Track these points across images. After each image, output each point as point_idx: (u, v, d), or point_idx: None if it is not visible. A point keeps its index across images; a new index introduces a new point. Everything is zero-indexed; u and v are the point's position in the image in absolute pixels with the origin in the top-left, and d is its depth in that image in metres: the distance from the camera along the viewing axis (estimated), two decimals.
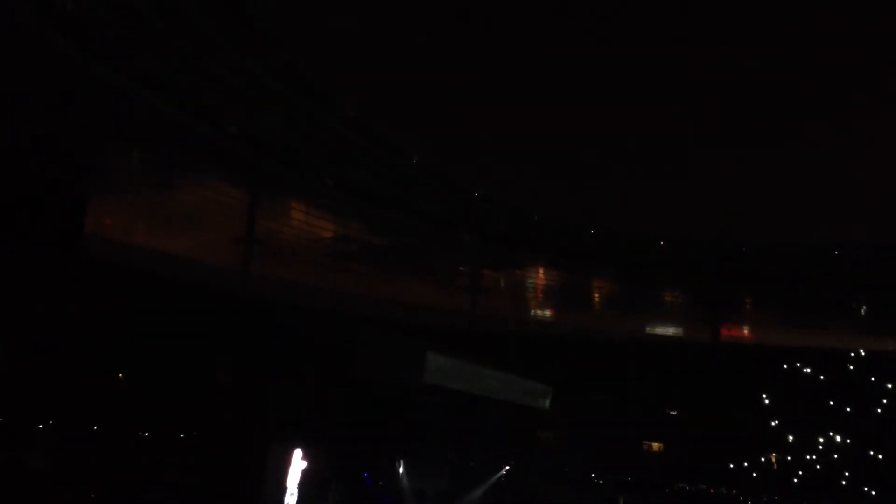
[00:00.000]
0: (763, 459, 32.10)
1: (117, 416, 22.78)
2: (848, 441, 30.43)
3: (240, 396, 24.25)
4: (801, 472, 30.93)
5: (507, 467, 33.53)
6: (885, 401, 30.20)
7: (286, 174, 23.76)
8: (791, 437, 31.15)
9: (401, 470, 31.44)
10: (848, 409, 30.49)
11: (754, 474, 31.59)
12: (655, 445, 34.42)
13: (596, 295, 32.94)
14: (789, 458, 31.37)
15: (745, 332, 33.12)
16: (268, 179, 23.78)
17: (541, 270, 30.91)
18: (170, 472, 22.41)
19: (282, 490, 25.04)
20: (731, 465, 31.67)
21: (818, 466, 30.68)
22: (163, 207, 23.63)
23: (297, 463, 25.55)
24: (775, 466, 32.03)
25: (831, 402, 30.57)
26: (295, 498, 25.45)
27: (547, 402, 32.35)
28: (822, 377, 30.81)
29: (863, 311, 29.46)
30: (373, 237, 27.18)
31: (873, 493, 29.67)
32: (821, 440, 30.71)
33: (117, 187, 22.74)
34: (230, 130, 21.77)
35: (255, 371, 24.59)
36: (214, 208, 23.50)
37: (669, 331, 34.30)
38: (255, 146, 22.51)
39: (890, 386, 30.18)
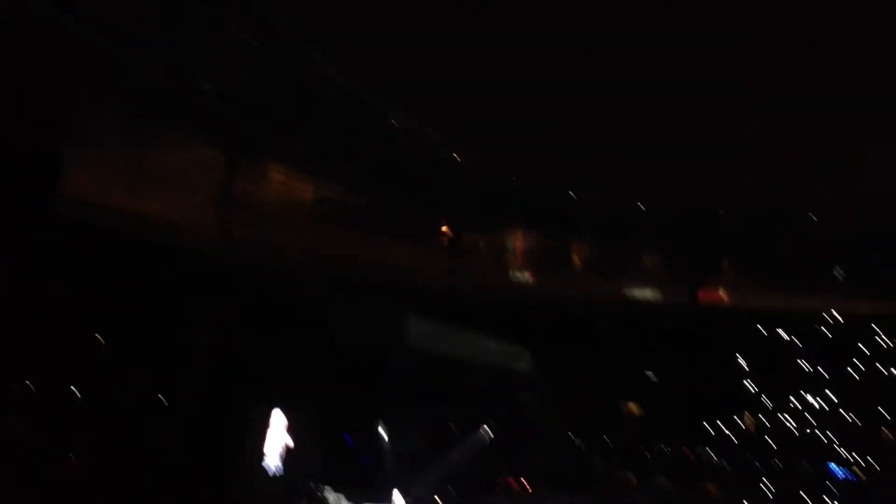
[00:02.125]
0: (739, 421, 32.58)
1: (95, 379, 22.70)
2: (823, 403, 30.92)
3: (218, 359, 24.19)
4: (776, 434, 31.45)
5: (486, 429, 33.79)
6: (859, 363, 30.67)
7: (264, 135, 23.52)
8: (767, 400, 31.61)
9: (380, 431, 31.64)
10: (823, 372, 30.96)
11: (731, 436, 32.08)
12: (633, 408, 34.79)
13: (575, 258, 33.02)
14: (765, 420, 31.86)
15: (723, 295, 33.37)
16: (246, 140, 23.52)
17: (519, 233, 30.96)
18: (149, 435, 22.40)
19: (261, 452, 25.14)
20: (709, 428, 32.11)
21: (794, 428, 31.19)
22: (138, 168, 23.29)
23: (277, 424, 25.63)
24: (752, 428, 32.52)
25: (807, 365, 31.01)
26: (275, 459, 25.56)
27: (525, 364, 32.60)
28: (798, 340, 31.22)
29: (839, 275, 29.78)
30: (352, 199, 27.03)
31: (848, 454, 30.25)
32: (796, 402, 31.18)
33: (92, 147, 22.40)
34: (206, 89, 21.46)
35: (233, 333, 24.51)
36: (191, 169, 23.21)
37: (648, 294, 34.47)
38: (232, 106, 22.23)
39: (864, 349, 30.64)
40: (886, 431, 30.71)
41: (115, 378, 23.27)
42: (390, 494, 28.70)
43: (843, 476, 30.47)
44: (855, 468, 30.19)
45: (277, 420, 25.69)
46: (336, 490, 28.15)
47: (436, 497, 30.32)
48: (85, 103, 21.09)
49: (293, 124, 23.39)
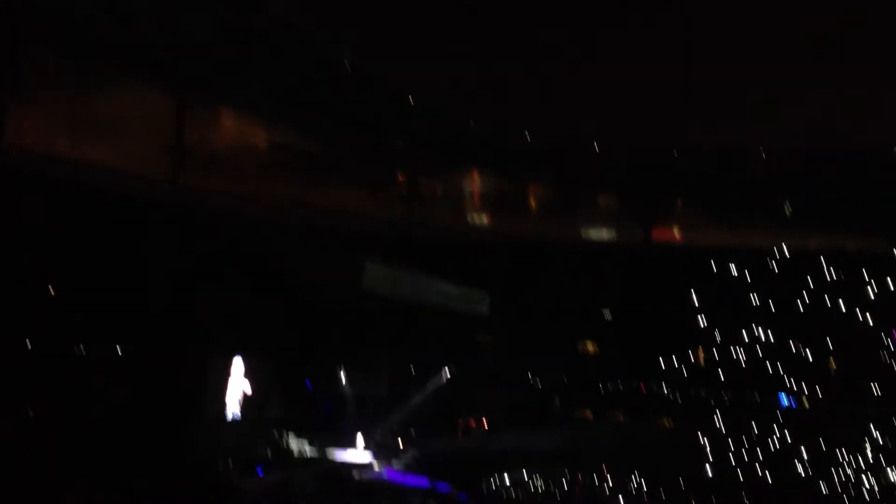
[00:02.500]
0: (692, 356, 33.42)
1: (47, 332, 22.34)
2: (772, 336, 31.78)
3: (174, 308, 23.94)
4: (728, 367, 32.32)
5: (446, 372, 34.18)
6: (806, 297, 31.50)
7: (213, 79, 22.97)
8: (718, 334, 32.39)
9: (341, 377, 31.81)
10: (772, 306, 31.75)
11: (683, 370, 32.91)
12: (590, 346, 35.44)
13: (531, 201, 33.15)
14: (716, 353, 32.70)
15: (675, 233, 33.87)
16: (194, 85, 22.96)
17: (476, 177, 30.90)
18: (106, 386, 22.21)
19: (222, 400, 25.15)
20: (662, 363, 32.88)
21: (744, 361, 32.06)
22: (85, 116, 22.61)
23: (237, 373, 25.63)
24: (703, 362, 33.40)
25: (756, 300, 31.76)
26: (236, 407, 25.61)
27: (484, 307, 32.90)
28: (747, 275, 31.92)
29: (787, 210, 30.36)
30: (306, 145, 26.63)
31: (797, 385, 31.28)
32: (746, 336, 32.00)
33: (35, 96, 21.69)
34: (153, 34, 20.84)
35: (189, 282, 24.24)
36: (140, 116, 22.62)
37: (603, 234, 34.85)
38: (179, 49, 21.63)
39: (811, 282, 31.43)
40: (833, 361, 31.80)
41: (69, 330, 22.94)
42: (353, 438, 29.05)
43: (792, 405, 31.58)
44: (803, 398, 31.28)
45: (237, 368, 25.70)
46: (299, 436, 28.39)
47: (398, 439, 30.76)
48: (27, 51, 20.38)
49: (244, 69, 22.87)
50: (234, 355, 25.36)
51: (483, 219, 34.73)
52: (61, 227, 21.49)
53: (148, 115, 22.23)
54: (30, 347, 21.91)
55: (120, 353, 23.68)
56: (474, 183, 31.71)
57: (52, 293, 23.41)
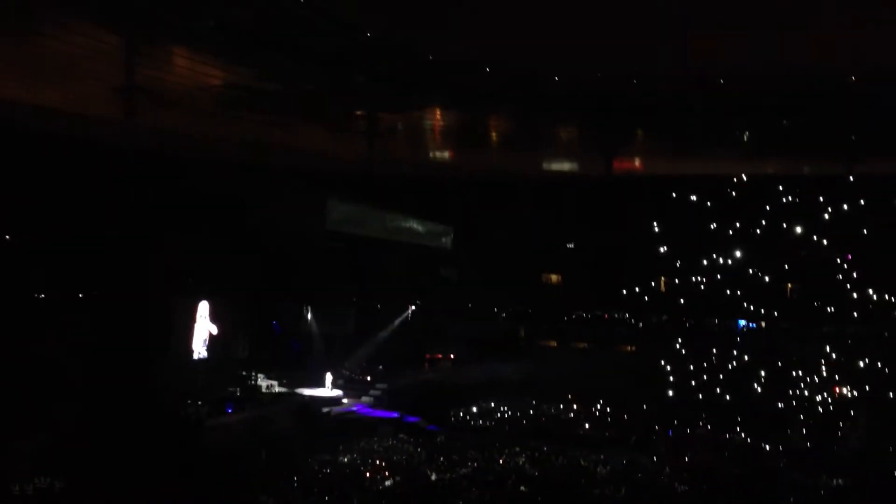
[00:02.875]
0: (653, 284, 34.00)
1: (8, 278, 22.13)
2: (730, 262, 32.34)
3: (136, 253, 23.77)
4: (688, 293, 32.93)
5: (412, 307, 34.54)
6: (763, 222, 32.01)
7: (163, 16, 22.33)
8: (679, 262, 32.91)
9: (308, 316, 32.01)
10: (731, 232, 32.24)
11: (645, 298, 33.51)
12: (553, 277, 35.92)
13: (493, 134, 33.00)
14: (677, 280, 33.28)
15: (637, 163, 34.06)
16: (143, 22, 22.30)
17: (437, 112, 30.58)
18: (71, 333, 22.14)
19: (189, 344, 25.24)
20: (625, 291, 33.41)
21: (703, 287, 32.65)
22: (32, 57, 22.01)
23: (203, 315, 25.68)
24: (664, 289, 34.01)
25: (715, 226, 32.23)
26: (204, 350, 25.73)
27: (448, 242, 33.12)
28: (707, 202, 32.32)
29: (745, 136, 30.56)
30: (262, 83, 26.12)
31: (755, 308, 31.98)
32: (706, 263, 32.55)
33: None
34: None
35: (149, 226, 24.03)
36: (89, 56, 21.98)
37: (565, 166, 34.98)
38: None
39: (768, 208, 31.93)
40: (790, 286, 32.55)
41: (31, 277, 22.77)
42: (322, 377, 29.38)
43: (749, 326, 32.38)
44: (761, 320, 32.08)
45: (203, 311, 25.74)
46: (268, 377, 28.65)
47: (367, 375, 31.17)
48: None
49: (196, 5, 22.26)
50: (199, 298, 25.37)
51: (445, 154, 34.63)
52: (15, 173, 21.13)
53: (96, 54, 21.60)
54: None
55: (82, 300, 23.59)
56: (436, 117, 31.46)
57: (9, 239, 23.17)
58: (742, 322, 32.54)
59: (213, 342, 25.98)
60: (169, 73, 24.26)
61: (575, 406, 28.99)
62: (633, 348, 33.77)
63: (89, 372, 21.28)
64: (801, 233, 31.67)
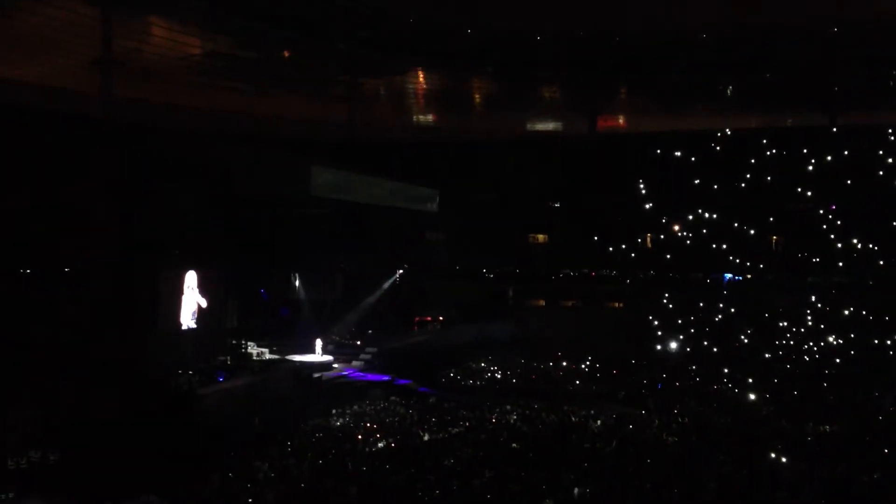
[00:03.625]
0: (639, 241, 34.17)
1: None
2: (715, 216, 32.48)
3: (120, 225, 23.67)
4: (674, 249, 33.11)
5: (400, 271, 34.65)
6: (748, 175, 32.12)
7: None
8: (664, 218, 33.03)
9: (296, 283, 32.07)
10: (715, 187, 32.34)
11: (632, 255, 33.69)
12: (540, 237, 36.06)
13: (476, 96, 32.83)
14: (662, 237, 33.43)
15: (620, 121, 34.03)
16: None
17: (420, 75, 30.37)
18: (58, 304, 22.14)
19: (177, 314, 25.27)
20: (611, 249, 33.58)
21: (688, 242, 32.81)
22: (7, 31, 21.74)
23: (191, 286, 25.69)
24: (650, 246, 34.20)
25: (699, 182, 32.30)
26: (192, 320, 25.78)
27: (434, 205, 33.11)
28: (691, 158, 32.34)
29: (728, 91, 30.50)
30: (242, 51, 25.86)
31: (741, 261, 32.19)
32: (690, 218, 32.67)
33: None
34: None
35: (133, 198, 23.91)
36: (64, 29, 21.74)
37: (549, 126, 34.91)
38: None
39: (753, 161, 31.99)
40: (775, 238, 32.80)
41: (15, 252, 22.67)
42: (312, 343, 29.52)
43: (735, 279, 32.64)
44: (746, 273, 32.32)
45: (190, 281, 25.74)
46: (258, 344, 28.77)
47: (356, 340, 31.33)
48: None
49: None
50: (186, 269, 25.36)
51: (429, 117, 34.49)
52: None
53: (72, 26, 21.32)
54: None
55: (68, 273, 23.53)
56: (418, 81, 31.25)
57: None
58: (728, 275, 32.78)
59: (201, 312, 26.02)
60: (146, 43, 23.97)
61: (564, 363, 29.25)
62: (621, 305, 34.06)
63: (77, 345, 21.30)
64: (785, 185, 31.78)
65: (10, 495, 14.76)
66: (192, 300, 25.66)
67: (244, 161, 26.28)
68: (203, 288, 25.90)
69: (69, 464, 16.52)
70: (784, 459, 17.25)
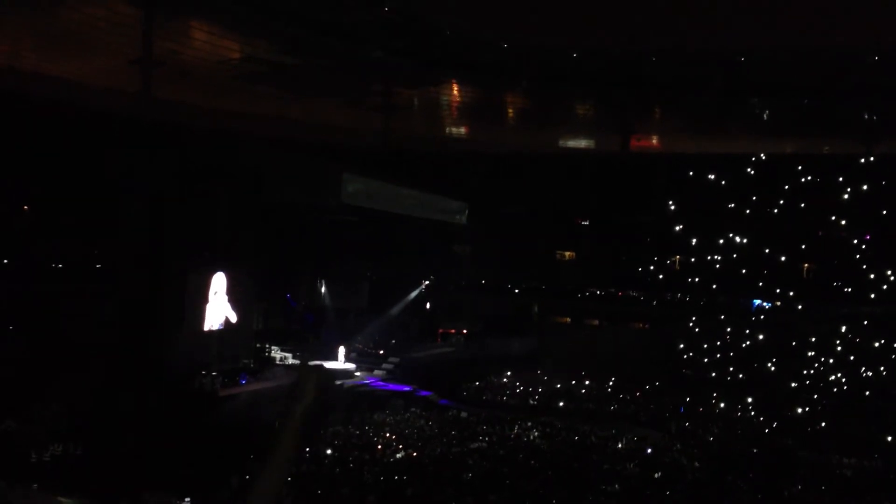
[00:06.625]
0: (668, 262, 33.84)
1: (25, 247, 22.38)
2: (746, 241, 32.07)
3: (152, 224, 23.89)
4: (702, 272, 32.71)
5: (426, 282, 34.65)
6: (781, 201, 31.69)
7: None
8: (694, 240, 32.69)
9: (322, 290, 32.20)
10: (748, 211, 31.95)
11: (660, 276, 33.34)
12: (567, 254, 35.86)
13: (509, 110, 32.94)
14: (692, 259, 33.07)
15: (653, 141, 33.85)
16: None
17: (454, 87, 30.54)
18: (88, 301, 22.39)
19: (204, 315, 25.40)
20: (639, 269, 33.27)
21: (717, 266, 32.42)
22: (51, 29, 22.13)
23: (218, 288, 25.83)
24: (678, 268, 33.84)
25: (732, 205, 31.93)
26: (218, 322, 25.91)
27: (463, 218, 33.08)
28: (723, 182, 31.97)
29: (764, 115, 30.25)
30: (281, 57, 26.16)
31: (771, 287, 31.71)
32: (721, 241, 32.30)
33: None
34: None
35: (166, 198, 24.11)
36: (107, 28, 22.11)
37: (581, 143, 34.85)
38: None
39: (787, 187, 31.56)
40: (806, 266, 32.31)
41: (47, 247, 22.98)
42: (335, 350, 29.56)
43: (764, 305, 32.12)
44: (776, 300, 31.80)
45: (219, 283, 25.89)
46: (282, 349, 28.87)
47: (380, 349, 31.31)
48: None
49: None
50: (215, 271, 25.52)
51: (461, 129, 34.60)
52: (33, 145, 21.24)
53: (115, 26, 21.68)
54: (7, 266, 22.04)
55: (99, 269, 23.81)
56: (452, 93, 31.40)
57: (26, 210, 23.38)
58: (757, 301, 32.33)
59: (227, 314, 26.16)
60: (187, 45, 24.32)
61: (587, 382, 29.04)
62: (647, 326, 33.75)
63: (104, 342, 21.52)
64: (819, 212, 31.32)
65: (35, 487, 14.88)
66: (219, 302, 25.79)
67: (276, 165, 26.44)
68: (231, 290, 26.02)
69: (90, 459, 16.64)
70: (807, 492, 16.95)
